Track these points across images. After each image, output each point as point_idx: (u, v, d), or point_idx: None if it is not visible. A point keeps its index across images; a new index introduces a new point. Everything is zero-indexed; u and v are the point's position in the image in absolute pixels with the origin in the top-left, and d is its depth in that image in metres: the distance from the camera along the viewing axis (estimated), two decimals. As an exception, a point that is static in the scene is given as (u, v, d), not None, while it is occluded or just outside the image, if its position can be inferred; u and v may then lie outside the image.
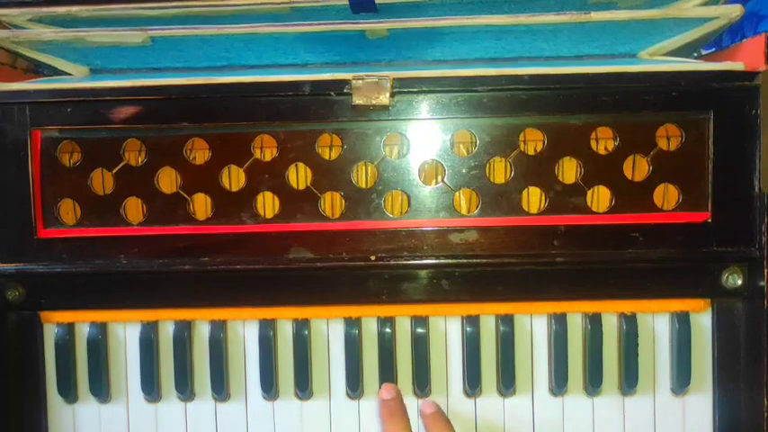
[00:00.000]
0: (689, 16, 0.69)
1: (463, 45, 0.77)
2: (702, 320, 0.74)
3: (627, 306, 0.73)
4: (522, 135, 0.71)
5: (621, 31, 0.73)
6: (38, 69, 0.81)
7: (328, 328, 0.75)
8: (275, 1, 0.69)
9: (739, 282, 0.71)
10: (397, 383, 0.74)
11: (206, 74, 0.72)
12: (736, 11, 0.68)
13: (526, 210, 0.72)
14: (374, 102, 0.69)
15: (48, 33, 0.71)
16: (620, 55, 0.80)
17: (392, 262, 0.72)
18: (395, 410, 0.70)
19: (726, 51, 0.74)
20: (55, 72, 0.80)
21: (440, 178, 0.72)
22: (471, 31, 0.72)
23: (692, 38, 0.74)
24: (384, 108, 0.70)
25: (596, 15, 0.68)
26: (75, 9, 0.70)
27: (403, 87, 0.69)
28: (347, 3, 0.68)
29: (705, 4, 0.69)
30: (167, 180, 0.73)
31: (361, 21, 0.70)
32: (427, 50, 0.79)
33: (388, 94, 0.69)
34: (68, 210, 0.74)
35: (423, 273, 0.72)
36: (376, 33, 0.71)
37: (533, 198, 0.72)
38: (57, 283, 0.74)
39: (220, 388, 0.74)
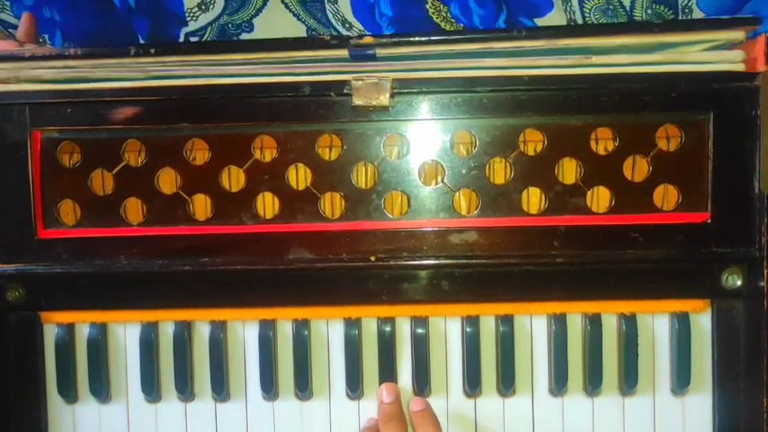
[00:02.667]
0: (690, 61, 0.68)
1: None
2: (702, 321, 0.74)
3: (627, 306, 0.73)
4: (521, 135, 0.71)
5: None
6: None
7: (328, 328, 0.75)
8: (277, 56, 0.69)
9: (739, 282, 0.71)
10: (396, 384, 0.74)
11: (206, 75, 0.72)
12: (738, 57, 0.68)
13: (526, 210, 0.72)
14: (374, 102, 0.69)
15: (49, 73, 0.70)
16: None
17: (392, 262, 0.72)
18: (393, 415, 0.70)
19: (726, 52, 0.74)
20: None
21: (440, 179, 0.72)
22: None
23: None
24: (384, 109, 0.70)
25: (597, 59, 0.68)
26: (73, 63, 0.69)
27: (403, 88, 0.69)
28: (347, 55, 0.68)
29: (707, 50, 0.69)
30: (167, 180, 0.73)
31: (361, 65, 0.70)
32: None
33: (387, 95, 0.69)
34: (68, 210, 0.74)
35: (422, 273, 0.72)
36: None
37: (533, 198, 0.72)
38: (57, 284, 0.74)
39: (220, 388, 0.74)
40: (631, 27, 0.71)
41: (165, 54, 0.69)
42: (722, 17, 0.72)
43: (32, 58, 0.70)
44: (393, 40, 0.68)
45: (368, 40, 0.67)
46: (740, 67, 0.67)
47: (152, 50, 0.69)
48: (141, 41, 1.00)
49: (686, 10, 0.91)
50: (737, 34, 0.67)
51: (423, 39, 0.68)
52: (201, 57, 0.70)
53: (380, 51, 0.68)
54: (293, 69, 0.70)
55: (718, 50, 0.68)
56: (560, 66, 0.68)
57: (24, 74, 0.70)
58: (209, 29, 0.99)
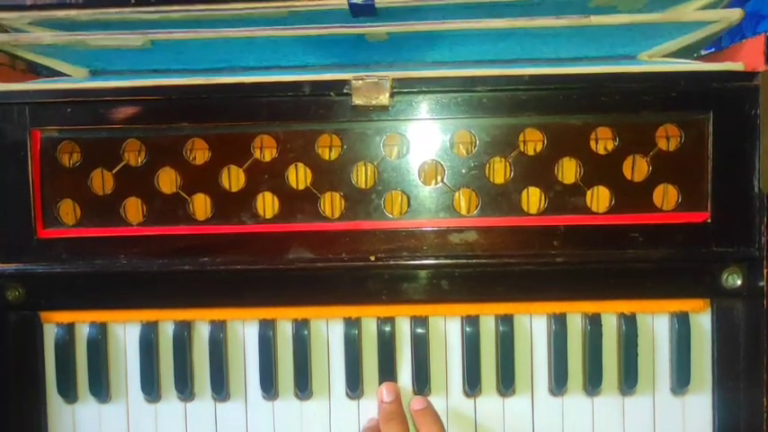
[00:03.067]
0: (689, 20, 0.69)
1: (463, 48, 0.77)
2: (702, 321, 0.74)
3: (626, 306, 0.73)
4: (521, 135, 0.71)
5: (621, 33, 0.73)
6: (37, 70, 0.81)
7: (328, 328, 0.75)
8: (274, 5, 0.69)
9: (739, 282, 0.71)
10: (396, 383, 0.74)
11: (206, 74, 0.72)
12: (736, 14, 0.68)
13: (526, 210, 0.72)
14: (374, 102, 0.69)
15: (47, 37, 0.71)
16: (619, 57, 0.80)
17: (392, 262, 0.72)
18: (393, 414, 0.70)
19: (725, 52, 0.74)
20: (54, 74, 0.80)
21: (439, 178, 0.72)
22: (470, 35, 0.72)
23: (692, 40, 0.74)
24: (384, 108, 0.70)
25: (596, 19, 0.68)
26: (74, 13, 0.70)
27: (403, 87, 0.69)
28: (347, 7, 0.68)
29: (705, 8, 0.69)
30: (167, 180, 0.73)
31: (361, 24, 0.70)
32: (427, 53, 0.79)
33: (387, 95, 0.69)
34: (68, 210, 0.74)
35: (422, 273, 0.72)
36: (375, 36, 0.71)
37: (533, 198, 0.72)
38: (57, 284, 0.74)
39: (220, 388, 0.74)
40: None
41: (164, 3, 0.69)
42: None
43: (34, 7, 0.70)
44: None
45: None
46: (740, 67, 0.67)
47: None
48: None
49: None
50: None
51: None
52: (200, 6, 0.69)
53: (380, 2, 0.67)
54: (293, 31, 0.69)
55: (716, 9, 0.68)
56: (558, 26, 0.68)
57: (25, 38, 0.70)
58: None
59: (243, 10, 0.69)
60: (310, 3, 0.69)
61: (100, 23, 0.71)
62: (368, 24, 0.70)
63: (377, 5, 0.67)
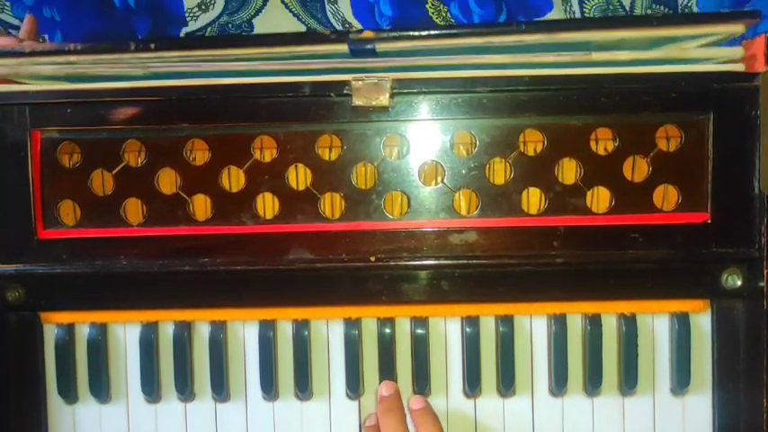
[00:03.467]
0: (690, 57, 0.68)
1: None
2: (702, 321, 0.74)
3: (626, 307, 0.73)
4: (521, 136, 0.71)
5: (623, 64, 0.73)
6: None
7: (328, 328, 0.75)
8: (278, 51, 0.69)
9: (739, 282, 0.71)
10: (396, 383, 0.74)
11: (206, 71, 0.72)
12: (738, 53, 0.67)
13: (526, 210, 0.72)
14: (374, 103, 0.69)
15: (48, 69, 0.70)
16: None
17: (392, 263, 0.72)
18: (392, 407, 0.70)
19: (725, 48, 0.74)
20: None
21: (439, 179, 0.72)
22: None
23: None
24: (384, 109, 0.70)
25: (597, 56, 0.67)
26: (73, 59, 0.69)
27: (403, 88, 0.69)
28: (347, 51, 0.68)
29: (706, 45, 0.69)
30: (167, 181, 0.73)
31: (361, 60, 0.69)
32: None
33: (387, 95, 0.69)
34: (68, 210, 0.74)
35: (422, 273, 0.72)
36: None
37: (533, 199, 0.72)
38: (57, 284, 0.74)
39: (220, 388, 0.74)
40: (631, 21, 0.71)
41: (164, 49, 0.69)
42: (721, 11, 0.72)
43: (33, 53, 0.70)
44: (393, 34, 0.68)
45: (367, 34, 0.67)
46: (740, 68, 0.67)
47: (152, 45, 0.69)
48: (141, 41, 1.00)
49: (686, 10, 0.91)
50: (737, 28, 0.67)
51: (422, 33, 0.68)
52: (201, 52, 0.69)
53: (380, 46, 0.68)
54: (293, 66, 0.69)
55: (718, 46, 0.68)
56: (560, 63, 0.68)
57: (24, 69, 0.70)
58: (208, 29, 1.00)
59: (243, 60, 0.69)
60: (313, 48, 0.68)
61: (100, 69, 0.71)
62: (367, 61, 0.69)
63: (378, 50, 0.68)
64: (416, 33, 0.68)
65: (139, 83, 0.70)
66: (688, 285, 0.72)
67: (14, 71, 0.70)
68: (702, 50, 0.68)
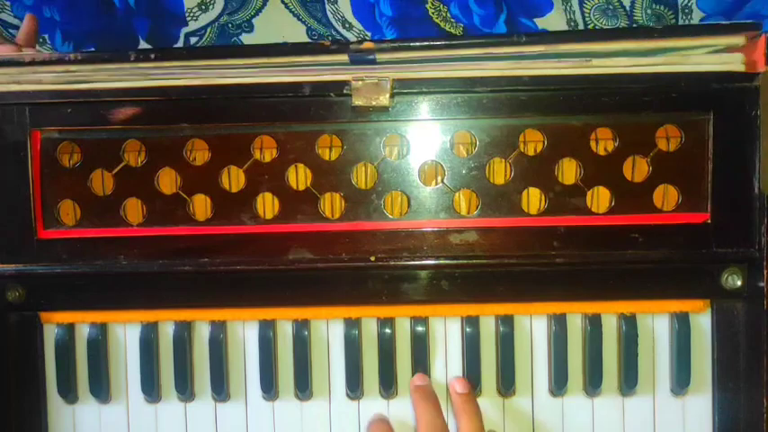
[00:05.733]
0: (691, 63, 0.68)
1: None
2: (702, 321, 0.74)
3: (626, 307, 0.73)
4: (521, 136, 0.71)
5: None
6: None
7: (328, 328, 0.75)
8: (278, 61, 0.69)
9: (739, 282, 0.71)
10: (396, 384, 0.74)
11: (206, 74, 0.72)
12: (738, 59, 0.67)
13: (526, 210, 0.72)
14: (374, 103, 0.69)
15: (48, 76, 0.70)
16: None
17: (392, 263, 0.72)
18: (428, 394, 0.70)
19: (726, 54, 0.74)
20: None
21: (439, 179, 0.72)
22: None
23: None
24: (384, 109, 0.70)
25: (597, 63, 0.67)
26: (73, 68, 0.69)
27: (403, 88, 0.69)
28: (347, 60, 0.68)
29: (708, 53, 0.69)
30: (167, 181, 0.73)
31: (361, 68, 0.69)
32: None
33: (387, 95, 0.69)
34: (68, 210, 0.74)
35: (422, 273, 0.72)
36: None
37: (533, 199, 0.72)
38: (57, 284, 0.74)
39: (220, 388, 0.74)
40: (632, 32, 0.71)
41: (165, 59, 0.69)
42: (723, 22, 0.72)
43: (32, 63, 0.70)
44: (393, 45, 0.68)
45: (368, 45, 0.67)
46: (740, 68, 0.67)
47: (152, 55, 0.69)
48: (141, 41, 1.00)
49: (686, 10, 0.91)
50: (738, 39, 0.67)
51: (423, 44, 0.68)
52: (201, 62, 0.69)
53: (380, 56, 0.68)
54: (293, 73, 0.70)
55: (719, 54, 0.68)
56: (560, 69, 0.68)
57: (25, 78, 0.70)
58: (209, 29, 0.99)
59: (243, 68, 0.69)
60: (313, 59, 0.69)
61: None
62: (367, 68, 0.69)
63: (378, 60, 0.68)
64: (416, 44, 0.68)
65: (139, 83, 0.70)
66: (688, 285, 0.72)
67: (15, 80, 0.70)
68: (703, 57, 0.68)
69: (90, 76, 0.70)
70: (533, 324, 0.74)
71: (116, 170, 0.73)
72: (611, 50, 0.67)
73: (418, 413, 0.69)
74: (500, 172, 0.73)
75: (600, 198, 0.72)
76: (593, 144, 0.71)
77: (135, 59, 0.69)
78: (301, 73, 0.69)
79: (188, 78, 0.70)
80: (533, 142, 0.71)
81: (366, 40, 0.69)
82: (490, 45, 0.68)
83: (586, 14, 0.94)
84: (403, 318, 0.75)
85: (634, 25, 0.91)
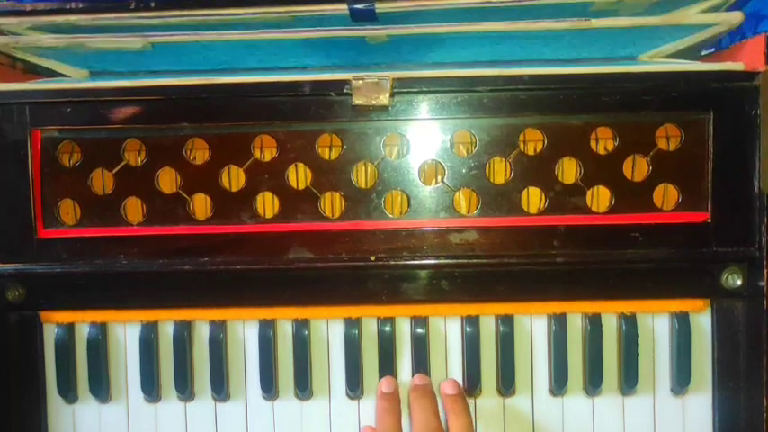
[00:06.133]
0: (689, 23, 0.69)
1: (463, 49, 0.77)
2: (702, 320, 0.74)
3: (626, 306, 0.73)
4: (521, 135, 0.71)
5: (622, 35, 0.73)
6: (36, 70, 0.80)
7: (328, 328, 0.75)
8: (276, 10, 0.69)
9: (739, 282, 0.71)
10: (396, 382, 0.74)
11: (206, 74, 0.72)
12: (736, 18, 0.68)
13: (526, 210, 0.72)
14: (374, 102, 0.69)
15: (47, 40, 0.70)
16: (619, 58, 0.80)
17: (392, 262, 0.72)
18: (426, 394, 0.70)
19: (726, 52, 0.74)
20: (54, 75, 0.80)
21: (440, 178, 0.72)
22: (471, 37, 0.72)
23: (692, 42, 0.74)
24: (384, 108, 0.70)
25: (596, 22, 0.68)
26: (73, 18, 0.69)
27: (403, 87, 0.69)
28: (347, 12, 0.68)
29: (706, 11, 0.69)
30: (167, 180, 0.73)
31: (361, 27, 0.69)
32: (427, 54, 0.79)
33: (387, 95, 0.69)
34: (68, 210, 0.74)
35: (422, 273, 0.72)
36: (376, 39, 0.71)
37: (533, 198, 0.72)
38: (57, 284, 0.74)
39: (220, 388, 0.74)
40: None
41: (165, 8, 0.69)
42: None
43: (33, 12, 0.69)
44: None
45: None
46: (740, 67, 0.67)
47: (152, 4, 0.69)
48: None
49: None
50: None
51: None
52: (201, 11, 0.69)
53: (380, 6, 0.67)
54: (294, 34, 0.69)
55: (715, 12, 0.68)
56: (558, 28, 0.67)
57: (24, 40, 0.70)
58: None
59: (244, 15, 0.69)
60: (312, 8, 0.69)
61: (99, 27, 0.71)
62: (368, 27, 0.69)
63: (377, 11, 0.67)
64: None
65: (139, 82, 0.71)
66: (688, 285, 0.72)
67: (14, 40, 0.70)
68: (702, 16, 0.68)
69: (89, 40, 0.70)
70: (533, 324, 0.74)
71: (116, 169, 0.73)
72: (610, 1, 0.67)
73: (414, 412, 0.69)
74: (500, 171, 0.73)
75: (600, 197, 0.72)
76: (593, 143, 0.71)
77: (135, 8, 0.69)
78: (303, 32, 0.69)
79: (186, 37, 0.69)
80: (533, 141, 0.71)
81: None
82: None
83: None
84: (403, 317, 0.75)
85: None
